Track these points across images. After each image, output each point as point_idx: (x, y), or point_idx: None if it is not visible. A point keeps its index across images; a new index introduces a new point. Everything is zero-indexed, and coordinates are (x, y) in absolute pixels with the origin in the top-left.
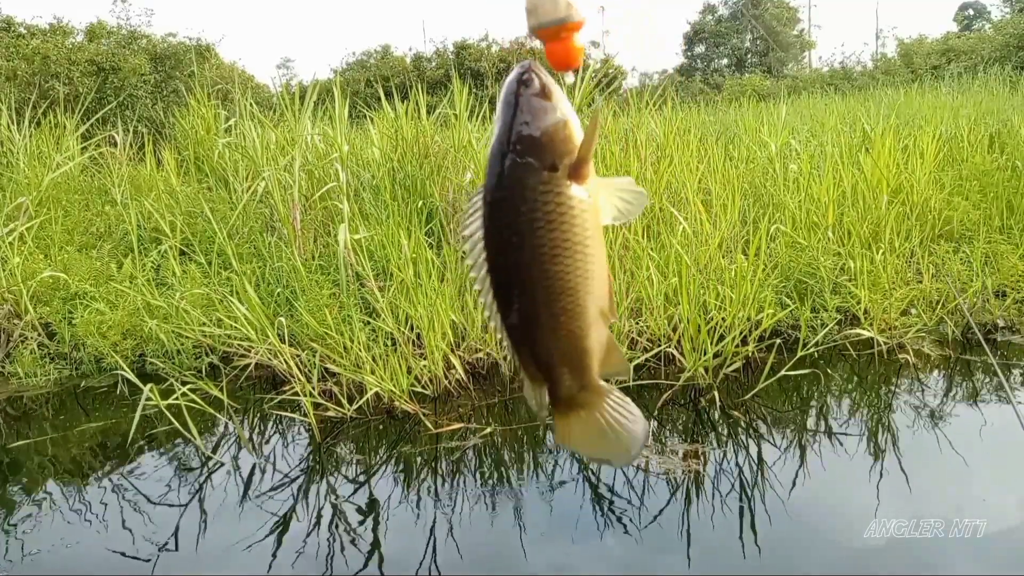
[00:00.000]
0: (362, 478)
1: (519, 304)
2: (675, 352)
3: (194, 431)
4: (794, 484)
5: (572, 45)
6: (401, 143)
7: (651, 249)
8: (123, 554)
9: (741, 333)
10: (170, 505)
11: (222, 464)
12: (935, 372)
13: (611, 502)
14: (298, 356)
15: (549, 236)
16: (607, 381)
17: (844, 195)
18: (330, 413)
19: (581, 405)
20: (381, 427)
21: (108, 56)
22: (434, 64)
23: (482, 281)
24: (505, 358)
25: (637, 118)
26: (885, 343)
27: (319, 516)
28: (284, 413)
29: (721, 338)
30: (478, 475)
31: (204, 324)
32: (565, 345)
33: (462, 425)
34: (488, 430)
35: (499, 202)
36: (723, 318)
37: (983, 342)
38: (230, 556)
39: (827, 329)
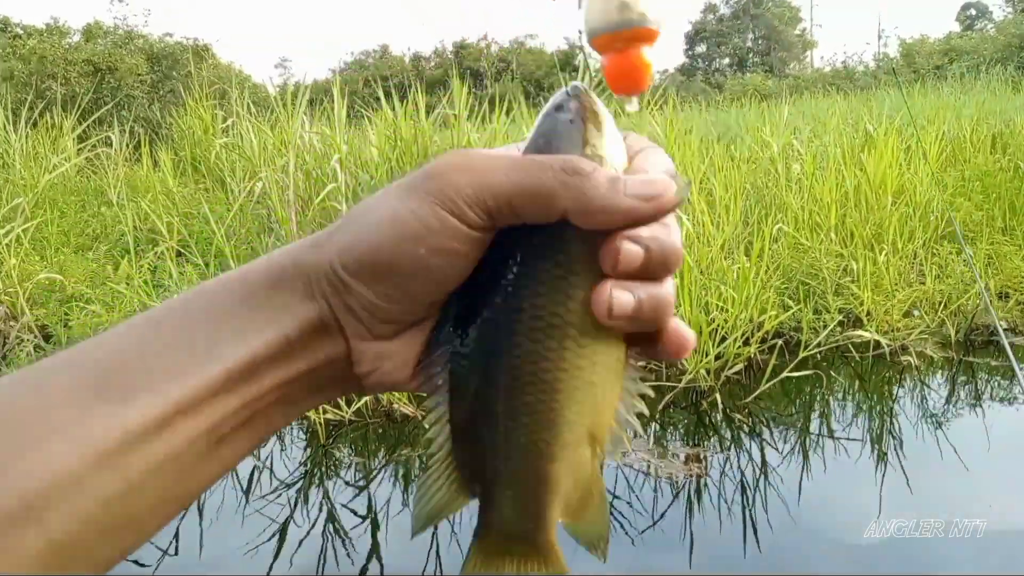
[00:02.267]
0: (362, 482)
1: (474, 386)
2: None
3: None
4: (796, 486)
5: (636, 60)
6: (400, 143)
7: None
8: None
9: (743, 335)
10: None
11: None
12: (938, 374)
13: (612, 505)
14: None
15: (551, 302)
16: (593, 545)
17: (847, 196)
18: (328, 416)
19: (515, 554)
20: (380, 430)
21: (105, 56)
22: (433, 63)
23: (443, 312)
24: None
25: (638, 118)
26: (888, 345)
27: (318, 520)
28: None
29: (723, 340)
30: None
31: None
32: (519, 458)
33: None
34: None
35: (504, 235)
36: (725, 319)
37: (1006, 346)
38: (231, 560)
39: (828, 330)
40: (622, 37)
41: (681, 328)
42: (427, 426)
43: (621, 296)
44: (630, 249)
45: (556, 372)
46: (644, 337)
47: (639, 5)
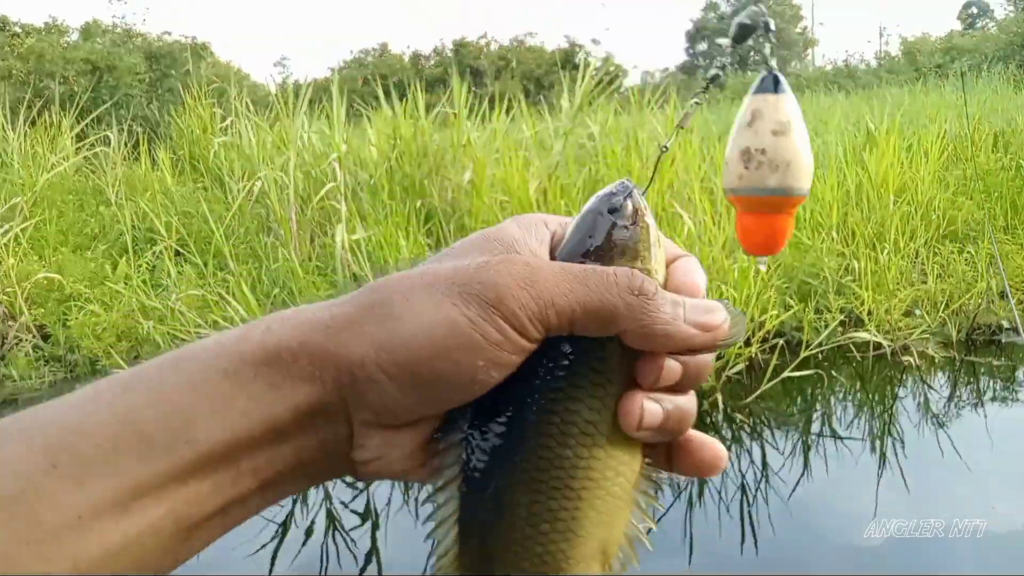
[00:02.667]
0: (361, 483)
1: (493, 486)
2: None
3: None
4: (797, 486)
5: (782, 226)
6: (399, 142)
7: None
8: None
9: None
10: None
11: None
12: (939, 374)
13: None
14: None
15: (587, 408)
16: None
17: (848, 194)
18: None
19: None
20: None
21: (103, 55)
22: (432, 62)
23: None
24: None
25: (639, 117)
26: (889, 345)
27: (318, 520)
28: None
29: None
30: None
31: (200, 326)
32: (532, 567)
33: None
34: None
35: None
36: None
37: None
38: (230, 562)
39: (829, 330)
40: (770, 203)
41: (710, 443)
42: (434, 523)
43: (651, 408)
44: (673, 367)
45: (584, 480)
46: (658, 450)
47: (799, 173)
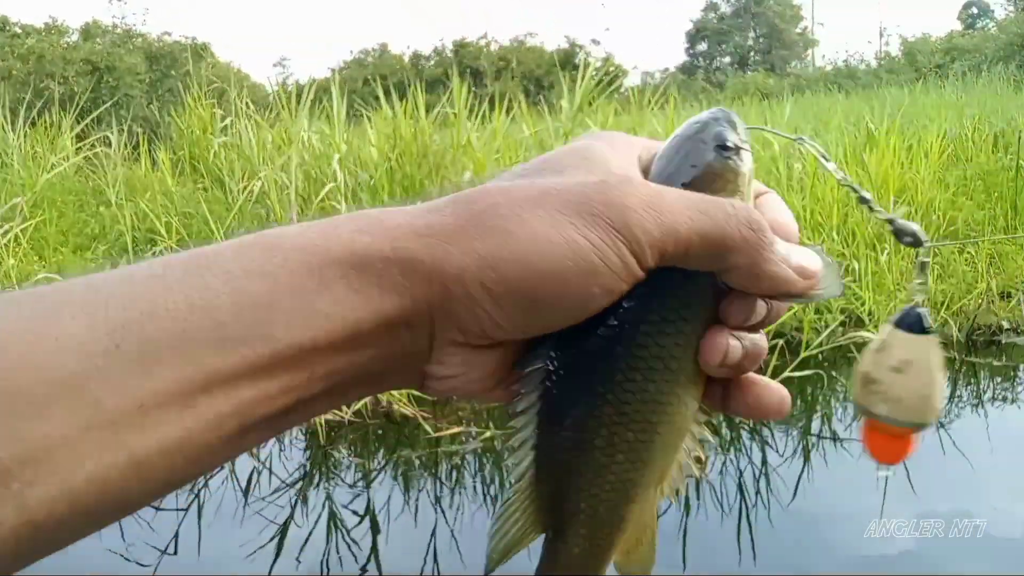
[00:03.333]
0: (361, 482)
1: (573, 415)
2: None
3: None
4: (797, 486)
5: (912, 445)
6: (399, 142)
7: None
8: (124, 558)
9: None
10: (169, 510)
11: (220, 468)
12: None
13: None
14: None
15: (674, 344)
16: None
17: (849, 195)
18: (328, 416)
19: None
20: (380, 431)
21: (103, 55)
22: (432, 62)
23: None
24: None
25: (639, 117)
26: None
27: (318, 520)
28: None
29: None
30: (478, 479)
31: None
32: (604, 496)
33: (462, 429)
34: (488, 434)
35: None
36: None
37: None
38: (230, 561)
39: (829, 330)
40: (881, 426)
41: (776, 386)
42: (511, 450)
43: (735, 345)
44: (760, 308)
45: (660, 414)
46: (715, 385)
47: (910, 408)
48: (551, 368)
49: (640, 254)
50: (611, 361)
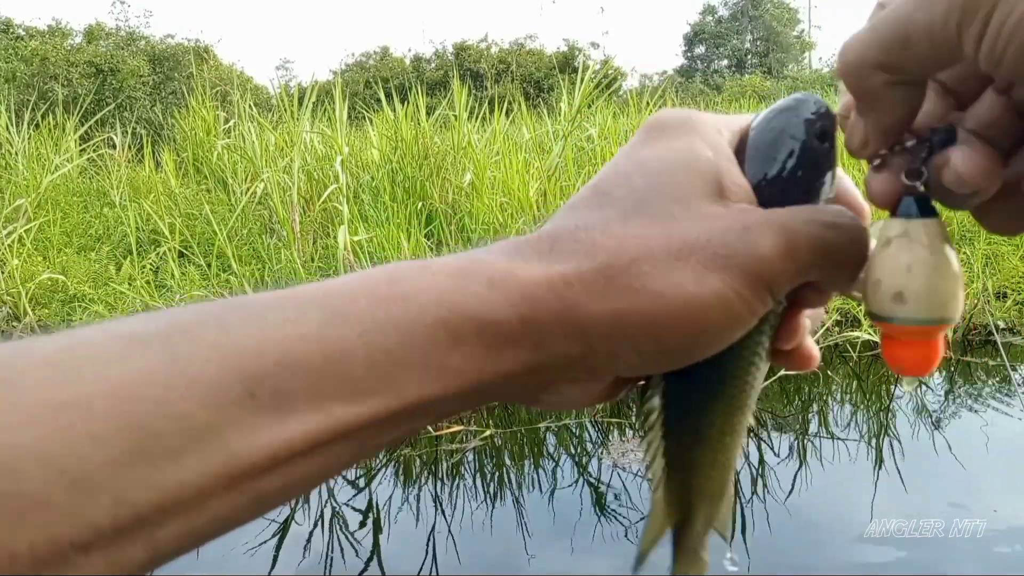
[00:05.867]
0: (361, 481)
1: (691, 417)
2: None
3: None
4: (793, 485)
5: (937, 349)
6: (400, 144)
7: None
8: None
9: None
10: None
11: None
12: (936, 374)
13: (612, 505)
14: None
15: (761, 332)
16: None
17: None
18: None
19: (691, 565)
20: None
21: (107, 58)
22: (433, 65)
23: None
24: None
25: (637, 119)
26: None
27: (319, 519)
28: None
29: None
30: (478, 478)
31: None
32: (717, 476)
33: (462, 428)
34: (488, 432)
35: None
36: None
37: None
38: (230, 560)
39: (824, 328)
40: (943, 330)
41: (811, 345)
42: (648, 459)
43: (807, 324)
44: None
45: (753, 392)
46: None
47: (961, 302)
48: (668, 382)
49: (778, 296)
50: (721, 364)
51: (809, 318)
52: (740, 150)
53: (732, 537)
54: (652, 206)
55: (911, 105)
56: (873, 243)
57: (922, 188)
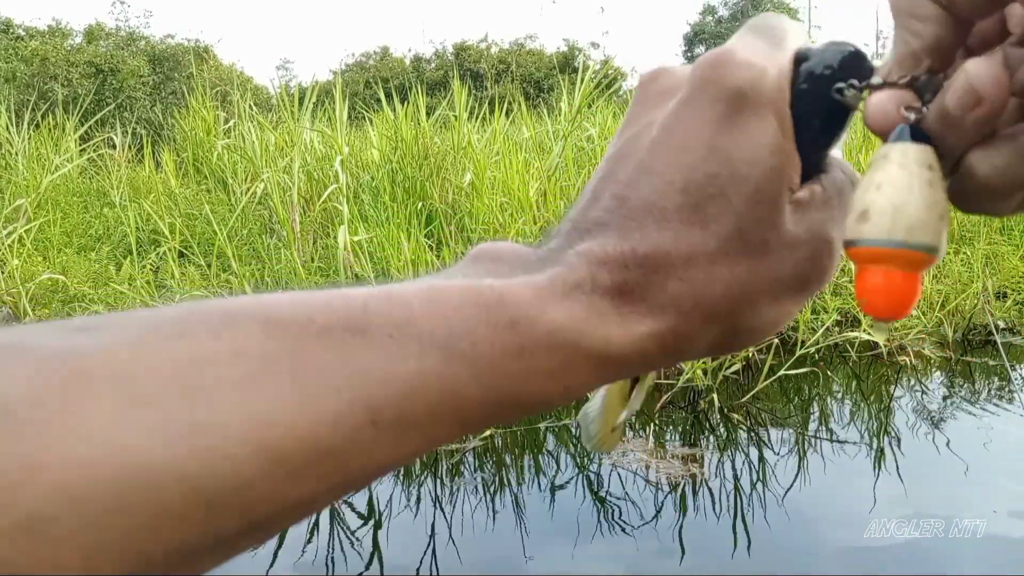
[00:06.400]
0: None
1: None
2: None
3: None
4: (793, 485)
5: (916, 287)
6: (400, 145)
7: None
8: None
9: None
10: None
11: None
12: (936, 374)
13: (611, 504)
14: None
15: None
16: None
17: None
18: None
19: None
20: None
21: (107, 58)
22: (433, 65)
23: None
24: None
25: None
26: (885, 345)
27: (319, 519)
28: None
29: None
30: (478, 477)
31: None
32: None
33: None
34: (488, 432)
35: None
36: None
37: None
38: (230, 560)
39: (824, 328)
40: (910, 259)
41: None
42: None
43: None
44: None
45: None
46: None
47: (935, 233)
48: None
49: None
50: None
51: None
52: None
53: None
54: (750, 241)
55: (943, 41)
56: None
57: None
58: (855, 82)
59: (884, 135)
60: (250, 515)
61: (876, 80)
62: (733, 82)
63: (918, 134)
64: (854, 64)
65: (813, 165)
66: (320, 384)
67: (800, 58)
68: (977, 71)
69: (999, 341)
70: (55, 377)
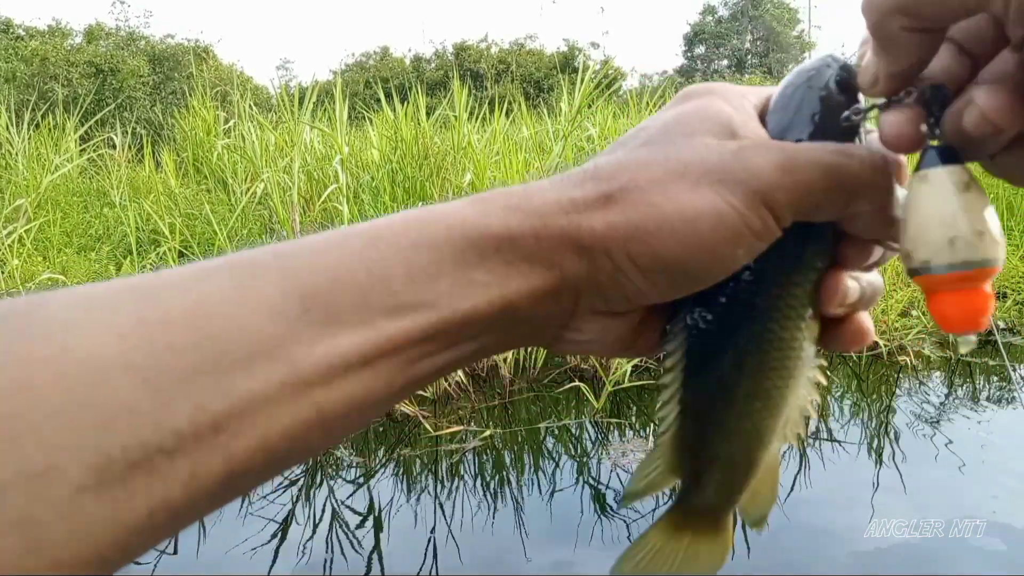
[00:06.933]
0: (361, 480)
1: (717, 368)
2: None
3: None
4: (793, 485)
5: (987, 298)
6: (400, 145)
7: None
8: None
9: None
10: None
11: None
12: (936, 374)
13: (612, 505)
14: None
15: (804, 292)
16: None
17: None
18: None
19: (694, 529)
20: (380, 429)
21: (107, 58)
22: (433, 65)
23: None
24: (506, 360)
25: (637, 119)
26: (885, 345)
27: (319, 519)
28: None
29: None
30: (478, 477)
31: None
32: (742, 442)
33: (462, 427)
34: (488, 432)
35: None
36: None
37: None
38: (230, 560)
39: None
40: (972, 277)
41: (864, 318)
42: (661, 402)
43: (852, 285)
44: (876, 250)
45: (795, 360)
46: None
47: (1001, 241)
48: (693, 324)
49: (780, 216)
50: (749, 312)
51: (861, 286)
52: (763, 115)
53: (765, 527)
54: (658, 140)
55: (924, 54)
56: (902, 200)
57: (936, 137)
58: (859, 107)
59: (902, 151)
60: (203, 409)
61: (881, 101)
62: (698, 89)
63: (946, 155)
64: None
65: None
66: (255, 280)
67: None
68: (990, 104)
69: (999, 341)
70: (22, 301)
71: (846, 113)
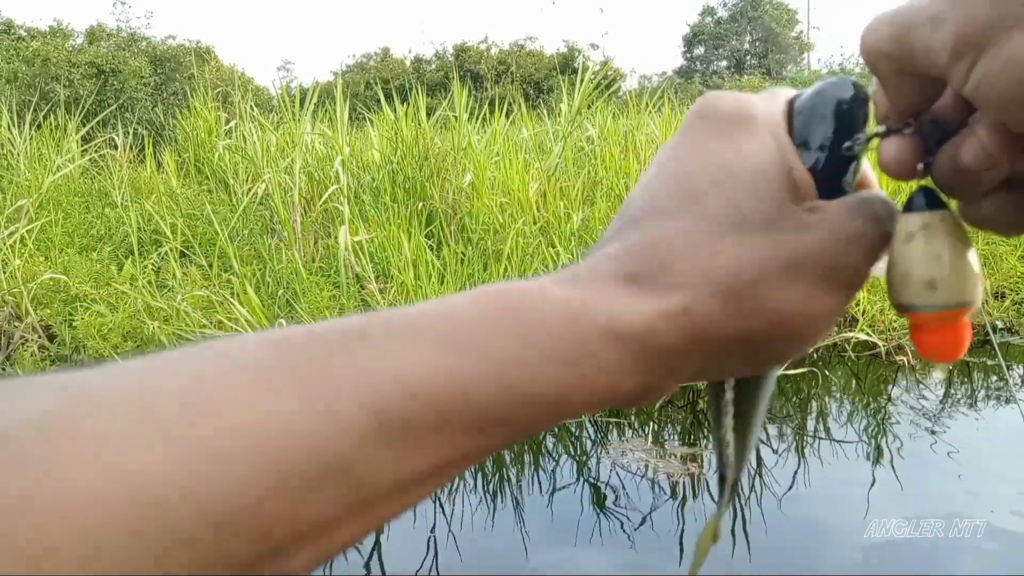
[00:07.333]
0: None
1: (747, 405)
2: None
3: None
4: (792, 485)
5: (965, 333)
6: (401, 145)
7: None
8: None
9: None
10: None
11: None
12: (934, 373)
13: (611, 504)
14: None
15: None
16: None
17: None
18: None
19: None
20: None
21: (108, 59)
22: (434, 66)
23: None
24: None
25: (636, 120)
26: (884, 345)
27: None
28: None
29: None
30: (478, 478)
31: (204, 326)
32: (748, 457)
33: None
34: None
35: None
36: None
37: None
38: None
39: None
40: (952, 317)
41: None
42: (726, 445)
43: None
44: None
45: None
46: None
47: (981, 283)
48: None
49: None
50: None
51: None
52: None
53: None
54: (750, 218)
55: (922, 95)
56: (895, 240)
57: (926, 177)
58: (861, 136)
59: (898, 178)
60: (264, 536)
61: (881, 129)
62: (724, 110)
63: (931, 199)
64: (846, 108)
65: (829, 191)
66: (320, 389)
67: (793, 100)
68: (992, 138)
69: (996, 341)
70: (58, 403)
71: (848, 143)
